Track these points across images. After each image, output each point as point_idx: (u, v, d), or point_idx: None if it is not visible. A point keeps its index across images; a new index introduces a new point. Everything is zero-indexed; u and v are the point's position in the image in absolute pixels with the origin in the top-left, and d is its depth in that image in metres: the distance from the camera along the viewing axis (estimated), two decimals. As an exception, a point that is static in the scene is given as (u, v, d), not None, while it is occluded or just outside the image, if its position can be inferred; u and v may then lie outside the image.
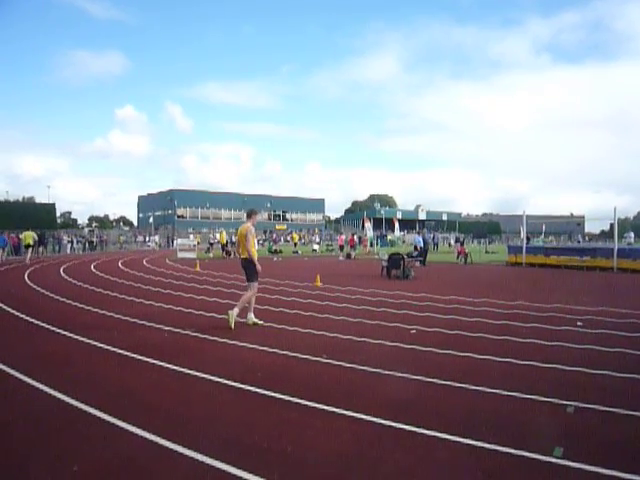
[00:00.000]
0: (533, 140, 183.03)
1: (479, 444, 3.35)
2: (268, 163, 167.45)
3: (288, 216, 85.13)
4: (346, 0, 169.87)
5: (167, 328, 7.34)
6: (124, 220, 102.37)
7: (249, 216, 8.08)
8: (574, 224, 77.40)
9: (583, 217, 68.86)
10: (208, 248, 32.21)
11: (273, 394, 4.36)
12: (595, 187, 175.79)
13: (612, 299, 10.66)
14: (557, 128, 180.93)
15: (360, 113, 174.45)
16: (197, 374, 4.98)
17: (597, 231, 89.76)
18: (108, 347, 6.14)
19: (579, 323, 7.80)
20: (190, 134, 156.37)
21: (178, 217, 72.98)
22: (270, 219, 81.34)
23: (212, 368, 5.16)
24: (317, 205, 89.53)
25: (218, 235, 33.95)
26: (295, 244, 42.46)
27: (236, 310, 7.45)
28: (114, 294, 11.42)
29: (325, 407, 4.05)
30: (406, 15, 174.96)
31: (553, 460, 3.13)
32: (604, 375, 5.03)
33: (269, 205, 79.40)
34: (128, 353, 5.83)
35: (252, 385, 4.60)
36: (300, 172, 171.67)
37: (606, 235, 73.30)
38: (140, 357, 5.66)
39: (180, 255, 28.72)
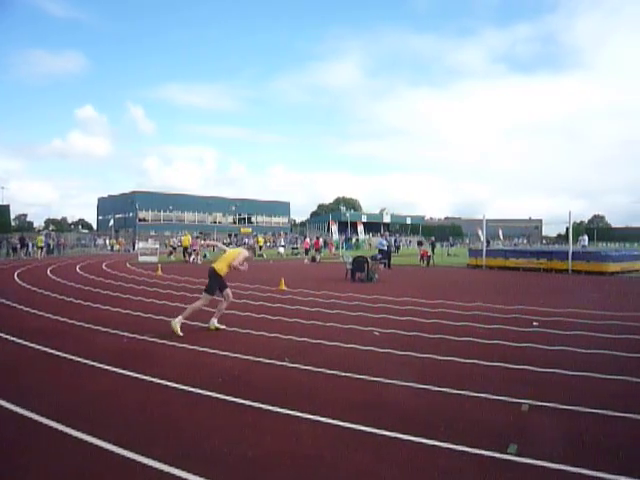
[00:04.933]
0: (491, 146, 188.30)
1: (437, 443, 3.40)
2: (232, 166, 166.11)
3: (253, 219, 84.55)
4: (307, 6, 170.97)
5: (125, 334, 7.15)
6: (83, 223, 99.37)
7: (253, 250, 8.67)
8: (532, 227, 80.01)
9: (541, 221, 71.30)
10: (170, 252, 31.58)
11: (234, 399, 4.31)
12: (551, 192, 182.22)
13: (566, 300, 11.05)
14: (514, 134, 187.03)
15: (323, 117, 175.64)
16: (156, 380, 4.87)
17: (554, 234, 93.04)
18: (61, 354, 5.93)
19: (534, 323, 8.05)
20: (152, 136, 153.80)
21: (140, 220, 71.35)
22: (235, 222, 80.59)
23: (171, 374, 5.06)
24: (282, 208, 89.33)
25: (182, 239, 33.31)
26: (260, 247, 42.11)
27: (180, 318, 7.16)
28: (70, 299, 11.05)
29: (286, 410, 4.03)
30: (366, 22, 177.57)
31: (507, 457, 3.21)
32: (557, 373, 5.20)
33: (234, 208, 78.60)
34: (83, 360, 5.65)
35: (212, 390, 4.53)
36: (265, 175, 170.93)
37: (562, 238, 76.01)
38: (96, 364, 5.48)
39: (141, 259, 28.08)
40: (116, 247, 50.85)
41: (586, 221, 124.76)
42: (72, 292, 12.44)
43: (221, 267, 7.50)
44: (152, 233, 61.89)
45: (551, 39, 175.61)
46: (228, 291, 7.64)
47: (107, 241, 54.07)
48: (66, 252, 42.57)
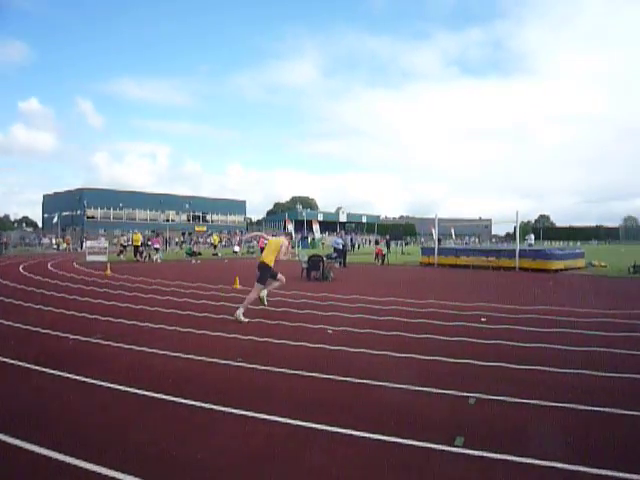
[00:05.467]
0: (444, 146, 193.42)
1: (388, 439, 3.46)
2: (187, 163, 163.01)
3: (208, 217, 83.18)
4: (265, 3, 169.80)
5: (71, 336, 6.88)
6: (27, 221, 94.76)
7: (290, 236, 10.02)
8: (483, 227, 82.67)
9: (490, 220, 73.76)
10: (121, 251, 30.60)
11: (184, 400, 4.23)
12: (500, 192, 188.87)
13: (512, 297, 11.49)
14: (465, 136, 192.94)
15: (281, 115, 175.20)
16: (103, 383, 4.71)
17: (503, 233, 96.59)
18: (1, 359, 5.63)
19: (483, 319, 8.33)
20: (102, 131, 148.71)
21: (88, 218, 68.80)
22: (189, 220, 79.04)
23: (119, 376, 4.90)
24: (238, 206, 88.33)
25: (132, 237, 32.35)
26: (215, 246, 41.53)
27: (241, 310, 8.13)
28: (9, 300, 10.52)
29: (239, 411, 3.99)
30: (323, 22, 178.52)
31: (454, 449, 3.30)
32: (502, 367, 5.40)
33: (188, 206, 76.98)
34: (24, 364, 5.39)
35: (161, 392, 4.42)
36: (221, 173, 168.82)
37: (511, 237, 78.98)
38: (39, 368, 5.24)
39: (89, 258, 27.07)
40: (63, 246, 48.86)
41: (533, 221, 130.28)
42: (13, 293, 11.84)
43: (270, 259, 8.63)
44: (101, 232, 59.72)
45: (501, 45, 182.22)
46: (281, 275, 9.07)
47: (53, 240, 51.83)
48: (8, 251, 40.50)
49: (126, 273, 18.10)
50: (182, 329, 7.42)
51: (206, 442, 3.40)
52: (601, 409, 4.05)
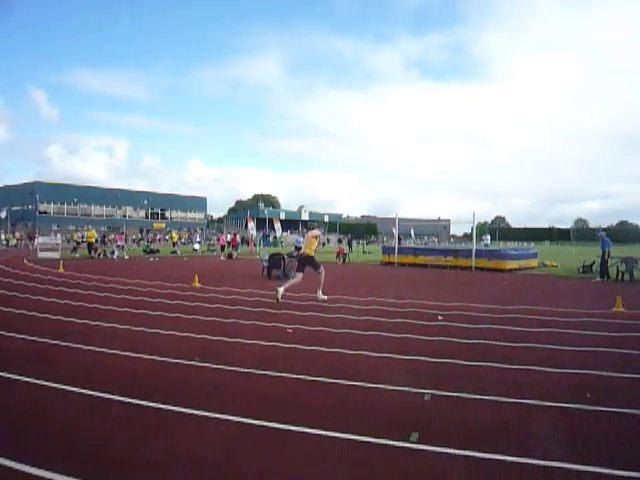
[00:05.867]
0: (405, 147, 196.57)
1: (344, 436, 3.47)
2: (146, 158, 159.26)
3: (167, 214, 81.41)
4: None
5: (17, 335, 6.58)
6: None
7: (313, 228, 11.90)
8: (442, 227, 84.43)
9: (449, 220, 75.47)
10: (74, 247, 29.54)
11: (138, 402, 4.11)
12: (459, 193, 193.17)
13: (468, 295, 11.78)
14: (425, 138, 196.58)
15: (244, 112, 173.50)
16: (52, 385, 4.52)
17: (461, 233, 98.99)
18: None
19: (439, 317, 8.50)
20: (56, 123, 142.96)
21: (40, 213, 66.07)
22: (147, 217, 77.14)
23: (69, 378, 4.72)
24: (199, 203, 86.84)
25: (86, 234, 31.31)
26: (174, 244, 40.70)
27: (320, 293, 10.37)
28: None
29: (193, 411, 3.91)
30: (288, 20, 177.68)
31: (409, 445, 3.35)
32: (458, 364, 5.51)
33: (146, 202, 75.09)
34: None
35: (114, 394, 4.28)
36: (181, 169, 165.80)
37: (468, 237, 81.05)
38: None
39: (41, 255, 26.02)
40: (12, 242, 46.79)
41: (489, 221, 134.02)
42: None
43: (310, 251, 10.65)
44: (54, 227, 57.53)
45: (461, 49, 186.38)
46: (321, 268, 10.69)
47: (2, 235, 49.54)
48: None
49: (84, 271, 17.49)
50: (135, 328, 7.23)
51: (159, 443, 3.32)
52: (551, 404, 4.20)
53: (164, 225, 75.13)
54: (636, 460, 3.16)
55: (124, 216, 70.28)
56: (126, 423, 3.69)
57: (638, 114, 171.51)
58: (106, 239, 49.56)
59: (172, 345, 6.23)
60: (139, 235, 56.14)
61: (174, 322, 7.78)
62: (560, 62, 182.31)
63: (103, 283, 13.50)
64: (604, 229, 25.42)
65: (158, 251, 34.20)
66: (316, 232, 11.06)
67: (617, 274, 16.30)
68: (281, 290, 9.96)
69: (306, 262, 10.60)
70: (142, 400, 4.13)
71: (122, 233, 31.72)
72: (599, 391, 4.57)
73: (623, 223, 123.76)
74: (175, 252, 34.75)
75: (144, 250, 33.79)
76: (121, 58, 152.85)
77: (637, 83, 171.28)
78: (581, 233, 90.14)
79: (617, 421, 3.87)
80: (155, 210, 78.36)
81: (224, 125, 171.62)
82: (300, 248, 22.33)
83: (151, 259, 26.99)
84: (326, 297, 10.37)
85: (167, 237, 53.21)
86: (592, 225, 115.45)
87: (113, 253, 27.56)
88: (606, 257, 16.45)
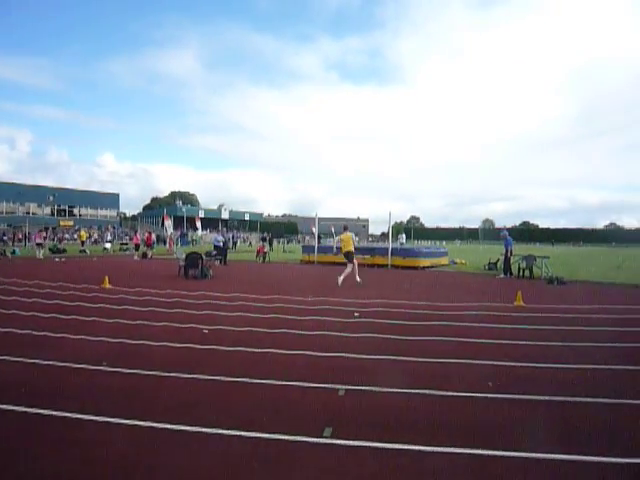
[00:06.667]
0: (325, 148, 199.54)
1: (258, 435, 3.46)
2: (52, 151, 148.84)
3: (76, 211, 76.38)
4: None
5: None
6: None
7: (347, 228, 14.54)
8: (360, 226, 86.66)
9: (368, 220, 77.68)
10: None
11: (39, 411, 3.83)
12: (377, 194, 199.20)
13: (383, 292, 12.18)
14: (344, 139, 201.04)
15: (160, 106, 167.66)
16: None
17: (379, 233, 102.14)
18: None
19: (356, 314, 8.71)
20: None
21: None
22: (54, 214, 71.88)
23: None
24: (111, 200, 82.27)
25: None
26: (83, 242, 38.26)
27: (341, 278, 13.33)
28: None
29: (101, 418, 3.71)
30: (207, 14, 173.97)
31: (323, 440, 3.40)
32: (370, 359, 5.69)
33: (52, 198, 69.91)
34: None
35: (14, 404, 3.96)
36: (92, 164, 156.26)
37: (386, 236, 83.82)
38: None
39: None
40: None
41: (405, 221, 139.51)
42: None
43: (351, 248, 13.87)
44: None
45: (378, 54, 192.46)
46: (355, 260, 13.99)
47: None
48: None
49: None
50: (38, 333, 6.71)
51: (63, 454, 3.12)
52: (454, 393, 4.45)
53: (72, 223, 70.36)
54: (536, 442, 3.44)
55: (27, 213, 65.05)
56: (25, 434, 3.42)
57: (540, 122, 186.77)
58: (6, 237, 45.63)
59: (76, 349, 5.86)
60: (44, 234, 52.13)
61: (64, 325, 7.31)
62: (468, 69, 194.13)
63: (18, 287, 12.39)
64: (508, 229, 27.33)
65: (65, 250, 32.00)
66: (351, 233, 14.52)
67: (519, 271, 17.61)
68: (341, 279, 13.32)
69: (349, 255, 13.77)
70: (44, 409, 3.86)
71: (40, 230, 29.34)
72: (500, 380, 4.91)
73: (525, 223, 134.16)
74: (84, 251, 32.67)
75: (50, 249, 31.45)
76: (24, 43, 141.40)
77: (538, 92, 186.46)
78: (488, 233, 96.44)
79: (518, 407, 4.18)
80: (62, 207, 73.18)
81: (139, 119, 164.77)
82: (219, 247, 22.02)
83: (57, 259, 25.17)
84: (359, 279, 13.92)
85: (75, 236, 49.92)
86: (498, 225, 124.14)
87: (14, 252, 25.42)
88: (509, 255, 17.72)
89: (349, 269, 13.70)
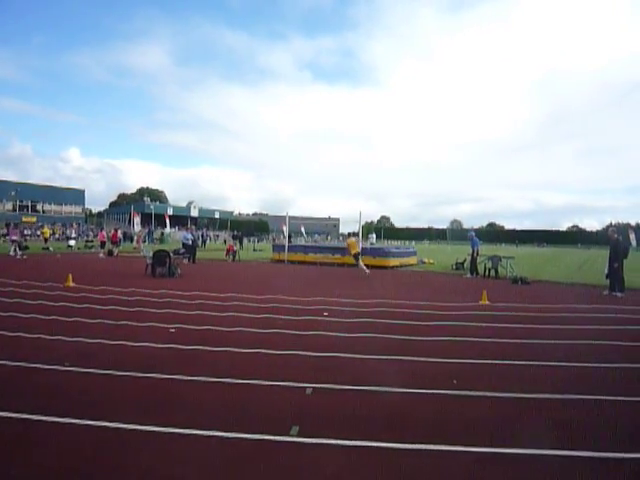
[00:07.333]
0: (297, 147, 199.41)
1: (224, 434, 3.45)
2: (15, 145, 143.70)
3: (39, 207, 74.07)
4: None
5: None
6: None
7: (356, 234, 19.16)
8: (331, 225, 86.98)
9: (338, 219, 78.00)
10: None
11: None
12: (348, 194, 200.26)
13: (353, 291, 12.28)
14: (316, 138, 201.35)
15: (128, 100, 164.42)
16: None
17: (350, 232, 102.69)
18: None
19: (325, 313, 8.75)
20: None
21: None
22: (16, 210, 69.48)
23: None
24: (76, 196, 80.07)
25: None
26: (46, 239, 37.12)
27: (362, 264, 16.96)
28: None
29: (64, 419, 3.64)
30: (178, 8, 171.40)
31: (289, 439, 3.41)
32: (339, 357, 5.73)
33: (14, 193, 67.59)
34: None
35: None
36: (56, 158, 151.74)
37: (356, 236, 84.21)
38: None
39: None
40: None
41: (375, 221, 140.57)
42: None
43: (358, 250, 17.48)
44: None
45: (351, 54, 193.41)
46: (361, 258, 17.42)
47: None
48: None
49: None
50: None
51: (26, 456, 3.05)
52: (420, 390, 4.54)
53: (35, 219, 68.21)
54: (505, 438, 3.54)
55: (-14, 208, 62.72)
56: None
57: (507, 126, 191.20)
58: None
59: (43, 350, 5.72)
60: (4, 230, 50.34)
61: (32, 324, 7.11)
62: (439, 72, 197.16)
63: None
64: (475, 230, 27.91)
65: (27, 248, 30.95)
66: (355, 237, 19.71)
67: (485, 270, 18.01)
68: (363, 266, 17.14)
69: (356, 256, 17.25)
70: (4, 411, 3.75)
71: (16, 227, 28.22)
72: (463, 377, 5.02)
73: (491, 224, 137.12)
74: (47, 248, 31.70)
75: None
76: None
77: (505, 97, 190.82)
78: (456, 233, 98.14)
79: (483, 404, 4.29)
80: (25, 202, 70.84)
81: (107, 114, 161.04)
82: (188, 245, 21.76)
83: (18, 256, 24.34)
84: (368, 272, 16.96)
85: (38, 232, 48.39)
86: (466, 226, 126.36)
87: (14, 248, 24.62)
88: (475, 255, 18.10)
89: (361, 265, 17.10)
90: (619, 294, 12.36)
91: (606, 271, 13.18)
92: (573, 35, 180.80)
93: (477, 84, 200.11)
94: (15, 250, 24.34)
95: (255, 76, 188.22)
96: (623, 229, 40.26)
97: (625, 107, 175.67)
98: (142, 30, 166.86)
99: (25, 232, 51.43)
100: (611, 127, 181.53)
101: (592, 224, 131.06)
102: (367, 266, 17.75)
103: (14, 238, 25.45)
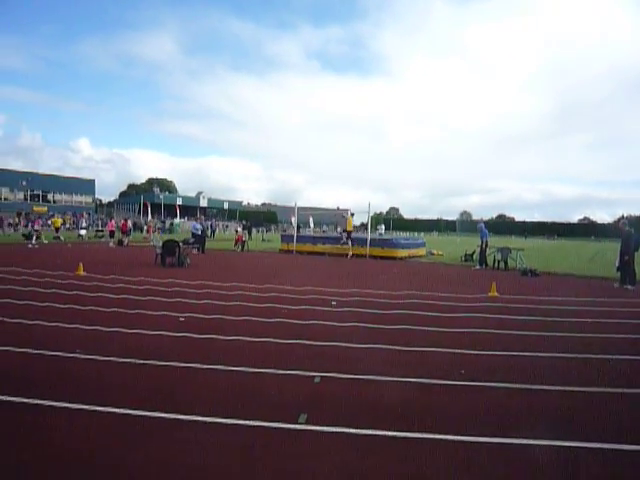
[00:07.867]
0: (306, 137, 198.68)
1: (233, 422, 3.47)
2: (24, 134, 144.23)
3: (50, 197, 74.63)
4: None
5: None
6: None
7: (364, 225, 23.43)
8: (340, 216, 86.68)
9: (348, 210, 77.69)
10: None
11: (8, 398, 3.77)
12: (357, 184, 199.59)
13: (360, 282, 12.28)
14: (325, 129, 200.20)
15: (137, 90, 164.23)
16: None
17: (359, 223, 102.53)
18: None
19: (333, 303, 8.76)
20: None
21: None
22: (27, 200, 70.09)
23: None
24: (86, 186, 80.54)
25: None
26: (57, 229, 37.41)
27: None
28: None
29: (73, 405, 3.68)
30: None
31: (297, 426, 3.43)
32: (348, 347, 5.74)
33: (25, 183, 68.11)
34: None
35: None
36: (67, 148, 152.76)
37: (365, 226, 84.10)
38: None
39: None
40: None
41: (384, 212, 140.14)
42: None
43: (350, 228, 21.18)
44: None
45: (360, 44, 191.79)
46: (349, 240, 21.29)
47: None
48: None
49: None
50: (10, 320, 6.59)
51: (34, 442, 3.09)
52: (429, 380, 4.54)
53: (46, 209, 68.75)
54: (504, 428, 3.54)
55: (-2, 198, 63.37)
56: (-7, 422, 3.37)
57: (517, 117, 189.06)
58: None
59: (49, 336, 5.78)
60: (16, 219, 50.84)
61: (48, 312, 7.20)
62: (448, 62, 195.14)
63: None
64: (485, 221, 27.72)
65: (39, 237, 31.23)
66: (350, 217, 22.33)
67: (494, 262, 17.91)
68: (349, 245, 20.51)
69: (349, 233, 20.75)
70: (15, 397, 3.80)
71: (40, 218, 28.92)
72: (472, 367, 5.02)
73: (501, 216, 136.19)
74: (58, 238, 31.96)
75: (24, 235, 30.62)
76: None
77: (515, 87, 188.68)
78: (465, 224, 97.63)
79: (489, 394, 4.29)
80: (36, 192, 71.42)
81: (116, 104, 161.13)
82: (197, 235, 21.83)
83: (30, 245, 24.61)
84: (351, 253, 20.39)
85: (49, 222, 48.78)
86: (475, 217, 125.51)
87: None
88: (484, 247, 18.00)
89: (348, 244, 21.25)
90: (630, 287, 12.25)
91: (617, 264, 13.07)
92: (586, 26, 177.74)
93: (487, 73, 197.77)
94: (38, 238, 24.76)
95: (263, 66, 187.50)
96: (635, 222, 39.80)
97: (638, 98, 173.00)
98: (150, 19, 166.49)
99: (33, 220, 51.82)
100: (623, 119, 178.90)
101: (603, 217, 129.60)
102: (365, 256, 18.60)
103: (37, 228, 25.87)
